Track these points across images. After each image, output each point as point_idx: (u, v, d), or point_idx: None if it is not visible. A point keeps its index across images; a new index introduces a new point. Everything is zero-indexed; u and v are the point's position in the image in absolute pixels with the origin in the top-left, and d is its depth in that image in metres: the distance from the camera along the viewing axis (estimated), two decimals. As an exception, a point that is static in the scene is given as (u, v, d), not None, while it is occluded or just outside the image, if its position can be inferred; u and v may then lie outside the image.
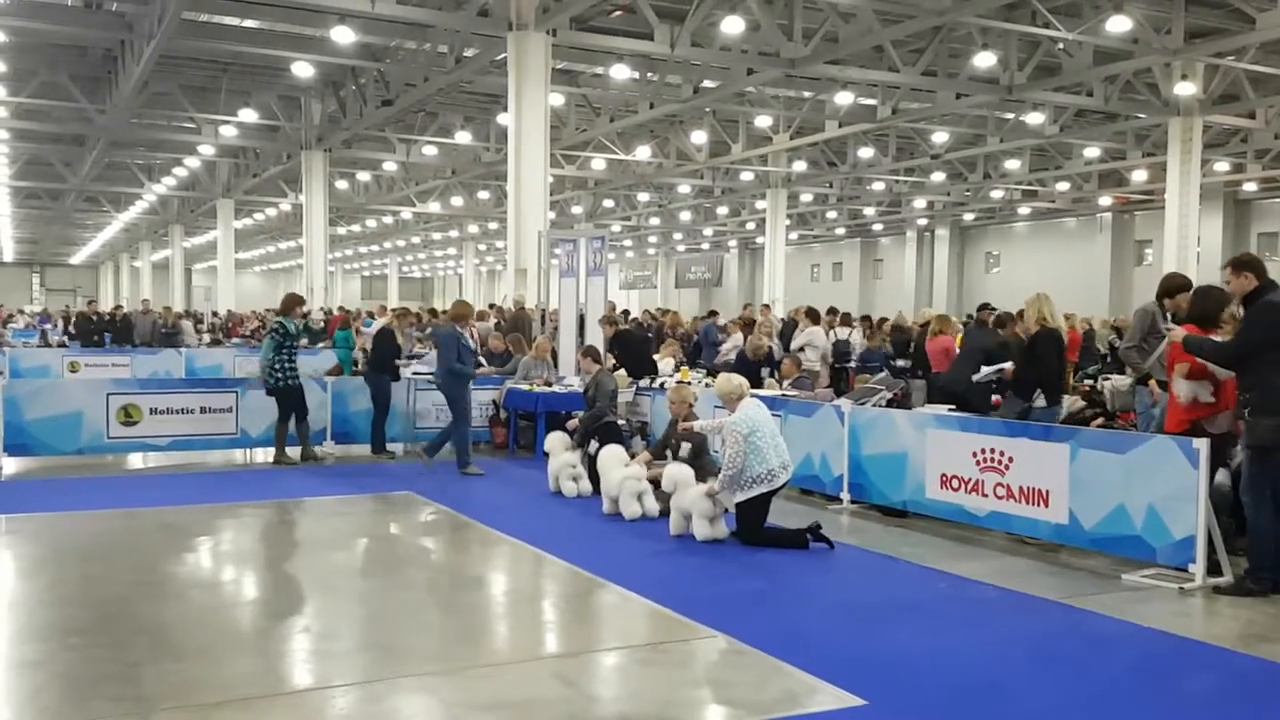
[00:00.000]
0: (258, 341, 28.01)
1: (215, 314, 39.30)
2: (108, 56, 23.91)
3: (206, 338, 30.78)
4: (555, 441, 10.53)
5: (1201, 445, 7.01)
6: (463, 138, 29.07)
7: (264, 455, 12.92)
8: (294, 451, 12.43)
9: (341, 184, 39.22)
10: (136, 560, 7.68)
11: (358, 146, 30.90)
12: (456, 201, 41.54)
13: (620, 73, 21.39)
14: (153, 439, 12.31)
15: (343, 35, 18.95)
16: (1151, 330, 9.28)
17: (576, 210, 44.46)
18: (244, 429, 12.66)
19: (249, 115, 26.63)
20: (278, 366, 12.10)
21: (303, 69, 22.67)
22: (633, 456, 9.89)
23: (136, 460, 12.56)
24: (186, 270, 58.22)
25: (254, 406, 12.62)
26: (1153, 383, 9.04)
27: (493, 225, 48.42)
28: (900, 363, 15.56)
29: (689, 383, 12.38)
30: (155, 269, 59.54)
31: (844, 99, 23.53)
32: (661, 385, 12.43)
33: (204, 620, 6.29)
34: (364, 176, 38.71)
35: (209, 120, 27.76)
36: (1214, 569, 7.07)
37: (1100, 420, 9.93)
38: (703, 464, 9.18)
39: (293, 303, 12.83)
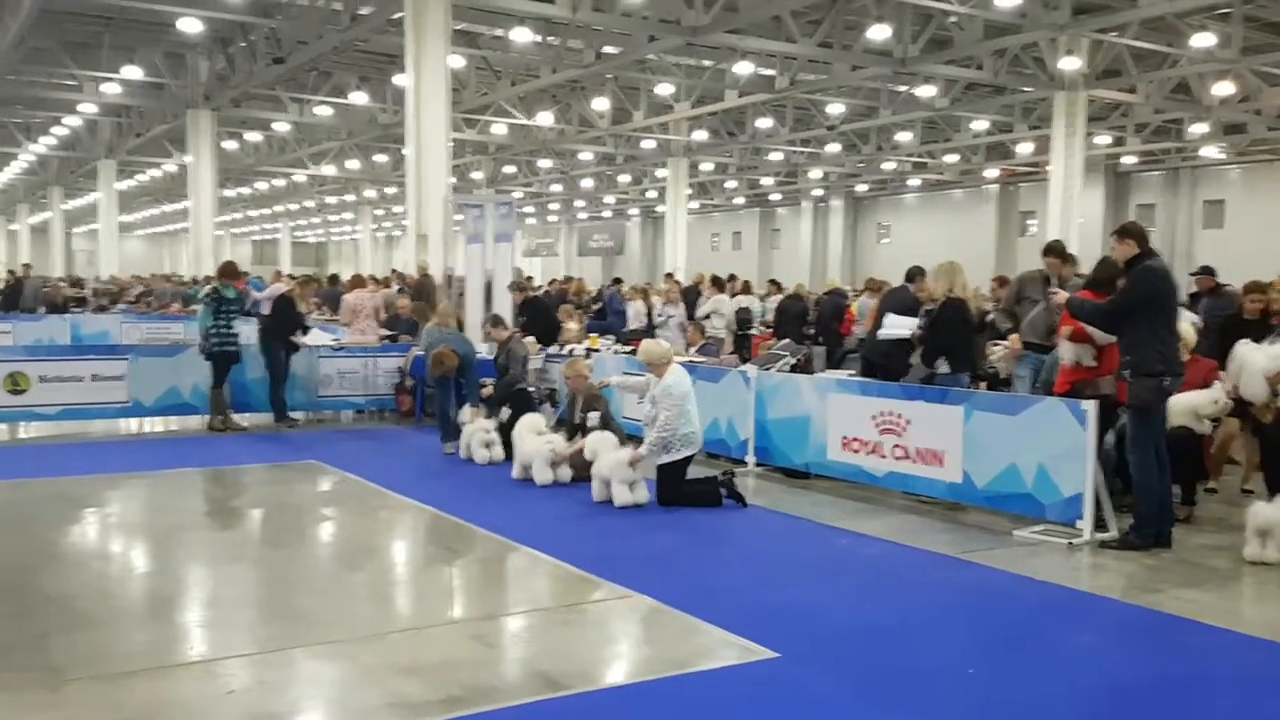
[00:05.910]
0: (146, 307, 27.14)
1: (99, 278, 37.76)
2: (-18, 10, 22.69)
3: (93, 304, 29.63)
4: (469, 409, 10.52)
5: (1090, 407, 7.37)
6: (358, 98, 28.29)
7: (163, 424, 12.65)
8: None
9: (230, 144, 37.89)
10: (34, 531, 7.47)
11: (247, 105, 29.89)
12: (352, 164, 40.62)
13: (521, 35, 21.09)
14: (41, 408, 11.91)
15: (232, -10, 18.32)
16: (1020, 295, 9.72)
17: (477, 175, 43.88)
18: (136, 398, 12.32)
19: (133, 72, 25.51)
20: (213, 332, 12.12)
21: (190, 24, 21.75)
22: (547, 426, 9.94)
23: (24, 430, 12.16)
24: (67, 234, 55.67)
25: (146, 375, 12.32)
26: (1014, 339, 9.50)
27: (390, 189, 47.47)
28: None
29: (598, 349, 12.45)
30: (34, 232, 56.95)
31: (743, 69, 23.67)
32: (570, 351, 12.47)
33: (109, 590, 6.19)
34: (254, 137, 37.40)
35: (91, 77, 26.54)
36: (1100, 525, 7.45)
37: (985, 385, 10.29)
38: (612, 430, 9.26)
39: (229, 269, 12.78)
